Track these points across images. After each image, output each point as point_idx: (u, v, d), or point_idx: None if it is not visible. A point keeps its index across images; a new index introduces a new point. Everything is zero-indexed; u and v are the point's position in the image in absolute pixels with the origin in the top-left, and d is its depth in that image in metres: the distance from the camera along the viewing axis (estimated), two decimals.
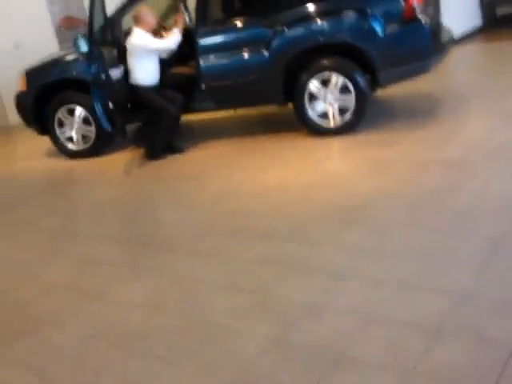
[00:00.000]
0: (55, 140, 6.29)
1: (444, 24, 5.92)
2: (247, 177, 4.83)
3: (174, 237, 3.90)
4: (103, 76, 5.21)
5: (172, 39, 5.56)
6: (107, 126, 5.31)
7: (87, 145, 6.22)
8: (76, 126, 6.15)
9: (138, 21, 5.55)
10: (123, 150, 6.28)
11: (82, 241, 4.12)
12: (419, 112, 5.92)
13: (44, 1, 9.22)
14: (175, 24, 5.66)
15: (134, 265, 3.60)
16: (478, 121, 5.30)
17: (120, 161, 5.92)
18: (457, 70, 7.22)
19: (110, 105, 5.31)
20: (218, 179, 4.90)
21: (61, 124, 6.20)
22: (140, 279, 3.37)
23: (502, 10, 10.16)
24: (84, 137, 6.21)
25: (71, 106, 6.09)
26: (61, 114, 6.15)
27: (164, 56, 5.86)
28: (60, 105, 6.11)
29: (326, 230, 3.59)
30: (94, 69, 5.21)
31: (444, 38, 5.56)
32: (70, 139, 6.25)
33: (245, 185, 4.66)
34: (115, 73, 5.48)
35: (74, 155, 6.29)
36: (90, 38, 5.17)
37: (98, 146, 6.19)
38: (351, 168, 4.70)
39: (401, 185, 4.10)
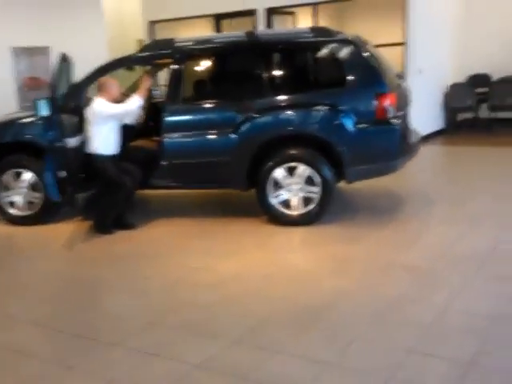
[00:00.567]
0: None
1: (412, 127, 5.94)
2: (203, 263, 4.50)
3: (114, 328, 3.48)
4: (59, 143, 4.89)
5: (130, 103, 5.33)
6: (55, 196, 4.94)
7: (32, 211, 5.78)
8: (22, 191, 5.75)
9: (100, 89, 5.34)
10: (70, 220, 5.87)
11: (4, 324, 3.64)
12: (383, 209, 5.81)
13: (9, 58, 9.01)
14: (137, 90, 5.50)
15: (61, 362, 3.14)
16: (441, 225, 5.22)
17: (64, 232, 5.49)
18: (420, 169, 7.26)
19: (63, 173, 4.96)
20: (171, 263, 4.55)
21: (6, 188, 5.79)
22: (63, 382, 2.92)
23: (462, 116, 10.58)
24: (30, 203, 5.79)
25: (19, 169, 5.71)
26: (7, 176, 5.74)
27: (128, 122, 5.63)
28: (8, 167, 5.72)
29: (281, 335, 3.28)
30: (50, 135, 4.90)
31: (412, 140, 5.55)
32: (12, 204, 5.82)
33: (199, 272, 4.32)
34: (73, 141, 5.18)
35: (14, 221, 5.83)
36: (52, 102, 4.88)
37: (44, 214, 5.76)
38: (312, 263, 4.45)
39: (364, 289, 3.86)
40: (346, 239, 4.92)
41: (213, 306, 3.73)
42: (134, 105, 5.35)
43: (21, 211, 5.82)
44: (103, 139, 5.34)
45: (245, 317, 3.53)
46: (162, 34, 11.10)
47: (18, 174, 5.74)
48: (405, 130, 5.32)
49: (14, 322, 3.66)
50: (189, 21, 11.00)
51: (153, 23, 11.38)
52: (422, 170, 7.45)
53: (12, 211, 5.84)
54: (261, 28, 10.05)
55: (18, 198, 5.78)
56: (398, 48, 9.14)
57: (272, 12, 10.14)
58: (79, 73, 5.64)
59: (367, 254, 4.55)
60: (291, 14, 10.80)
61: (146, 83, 5.48)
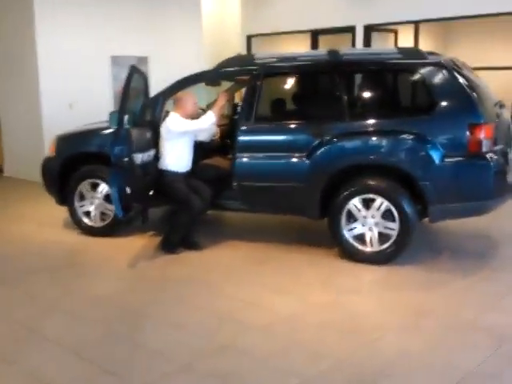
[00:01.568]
0: (72, 212, 5.89)
1: None
2: (256, 297, 4.18)
3: (147, 369, 3.22)
4: (126, 159, 4.79)
5: (203, 120, 5.15)
6: (119, 212, 4.84)
7: (104, 223, 5.78)
8: (96, 201, 5.76)
9: (176, 104, 5.22)
10: (142, 234, 5.79)
11: (40, 347, 3.49)
12: (472, 253, 5.17)
13: (108, 67, 9.25)
14: (213, 106, 5.31)
15: None
16: None
17: (132, 247, 5.42)
18: None
19: (128, 190, 4.85)
20: (223, 294, 4.27)
21: (81, 197, 5.82)
22: None
23: None
24: (103, 214, 5.79)
25: (95, 180, 5.72)
26: (83, 186, 5.78)
27: (202, 138, 5.45)
28: (84, 177, 5.75)
29: None
30: (116, 150, 4.81)
31: None
32: (88, 214, 5.84)
33: (250, 309, 4.00)
34: (143, 156, 5.07)
35: (88, 231, 5.85)
36: (120, 115, 4.80)
37: (115, 227, 5.73)
38: (378, 312, 3.96)
39: (434, 355, 3.32)
40: (424, 286, 4.38)
41: (252, 354, 3.36)
42: (207, 122, 5.16)
43: (94, 222, 5.84)
44: (176, 156, 5.21)
45: (285, 375, 3.12)
46: (260, 47, 11.01)
47: (95, 185, 5.77)
48: (503, 166, 4.66)
49: (46, 344, 3.52)
50: (286, 36, 10.80)
51: (250, 37, 11.31)
52: None
53: (87, 221, 5.87)
54: (359, 45, 9.62)
55: (92, 208, 5.81)
56: (510, 73, 8.32)
57: (371, 29, 9.66)
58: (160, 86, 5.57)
59: (446, 307, 3.99)
60: (392, 31, 10.24)
61: (222, 99, 5.28)
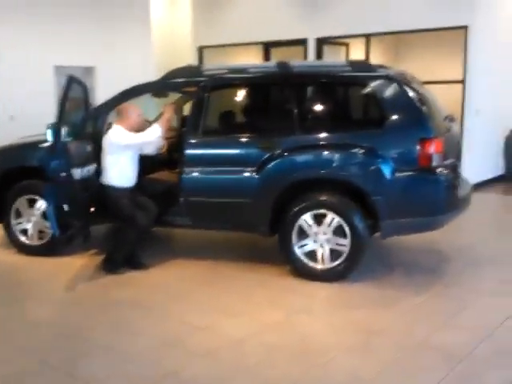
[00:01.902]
0: (8, 230, 5.52)
1: (463, 176, 5.24)
2: (205, 321, 3.95)
3: None
4: (63, 174, 4.50)
5: (148, 133, 4.90)
6: (55, 230, 4.54)
7: (42, 241, 5.43)
8: (34, 219, 5.41)
9: (119, 116, 4.96)
10: (83, 253, 5.48)
11: None
12: (424, 268, 5.11)
13: (52, 77, 8.89)
14: (159, 119, 5.08)
15: None
16: (492, 293, 4.47)
17: (72, 266, 5.10)
18: (471, 222, 6.41)
19: (65, 206, 4.56)
20: (169, 318, 4.02)
21: (18, 214, 5.47)
22: None
23: None
24: (41, 232, 5.45)
25: (32, 196, 5.38)
26: (20, 203, 5.43)
27: (148, 152, 5.20)
28: (20, 193, 5.40)
29: None
30: (53, 165, 4.51)
31: (462, 192, 4.84)
32: (25, 232, 5.49)
33: (197, 333, 3.77)
34: (82, 171, 4.78)
35: (25, 250, 5.49)
36: (56, 128, 4.51)
37: (54, 246, 5.39)
38: (329, 332, 3.81)
39: (386, 379, 3.18)
40: (376, 303, 4.26)
41: (196, 381, 3.15)
42: (153, 135, 4.93)
43: (32, 241, 5.49)
44: (118, 170, 4.94)
45: None
46: (212, 59, 10.84)
47: (32, 201, 5.43)
48: (453, 180, 4.62)
49: None
50: (239, 48, 10.68)
51: (202, 48, 11.14)
52: (475, 222, 6.62)
53: (24, 240, 5.51)
54: (311, 58, 9.58)
55: (29, 226, 5.47)
56: (457, 86, 8.43)
57: (323, 42, 9.65)
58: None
59: (398, 325, 3.88)
60: (344, 44, 10.27)
61: (168, 112, 5.05)
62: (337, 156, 4.60)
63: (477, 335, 3.68)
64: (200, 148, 4.94)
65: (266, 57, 10.50)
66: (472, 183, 5.42)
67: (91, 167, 4.96)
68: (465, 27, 8.17)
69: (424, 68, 8.36)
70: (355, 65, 4.79)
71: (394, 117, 4.48)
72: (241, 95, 5.47)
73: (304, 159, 4.68)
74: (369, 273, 4.86)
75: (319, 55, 9.64)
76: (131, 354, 3.47)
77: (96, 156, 5.05)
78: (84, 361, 3.42)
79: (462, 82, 8.33)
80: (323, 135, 4.68)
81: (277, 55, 10.34)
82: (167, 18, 11.48)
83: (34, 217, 5.41)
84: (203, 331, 3.80)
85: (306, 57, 9.72)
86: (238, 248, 5.80)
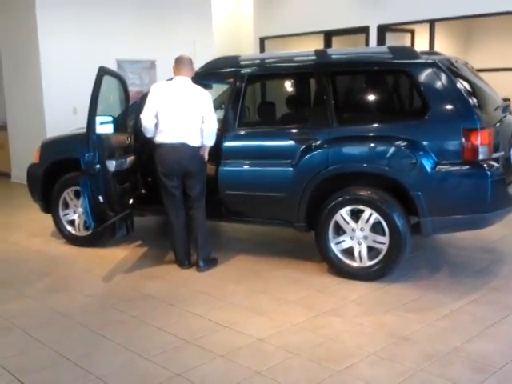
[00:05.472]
0: (57, 221, 5.70)
1: None
2: (225, 319, 3.84)
3: None
4: (97, 166, 4.54)
5: None
6: (90, 223, 4.60)
7: (87, 232, 5.56)
8: (80, 210, 5.54)
9: (189, 66, 4.76)
10: (127, 244, 5.57)
11: None
12: (472, 271, 4.73)
13: (114, 67, 9.08)
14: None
15: None
16: None
17: (113, 258, 5.19)
18: None
19: (101, 199, 4.60)
20: (192, 314, 3.94)
21: (66, 205, 5.63)
22: None
23: None
24: (87, 223, 5.57)
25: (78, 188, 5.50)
26: (67, 194, 5.58)
27: None
28: (67, 185, 5.55)
29: None
30: (87, 157, 4.56)
31: None
32: (72, 223, 5.64)
33: (217, 331, 3.67)
34: (118, 163, 4.81)
35: (73, 241, 5.65)
36: (90, 120, 4.56)
37: (99, 237, 5.49)
38: (355, 337, 3.57)
39: None
40: (412, 307, 3.98)
41: (205, 382, 3.05)
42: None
43: (79, 231, 5.64)
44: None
45: None
46: (273, 49, 10.70)
47: (79, 193, 5.56)
48: (503, 175, 4.22)
49: None
50: (299, 37, 10.46)
51: (264, 39, 11.02)
52: None
53: (71, 230, 5.67)
54: (373, 45, 9.20)
55: (77, 218, 5.61)
56: None
57: (386, 29, 9.23)
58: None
59: (430, 331, 3.59)
60: (409, 31, 9.78)
61: None
62: (374, 148, 4.33)
63: None
64: (235, 140, 4.84)
65: (328, 46, 10.21)
66: None
67: (129, 159, 4.98)
68: None
69: (499, 54, 7.81)
70: (397, 51, 4.47)
71: (437, 106, 4.15)
72: (276, 85, 5.31)
73: (340, 152, 4.45)
74: (411, 272, 4.58)
75: (381, 43, 9.24)
76: (146, 351, 3.43)
77: (136, 148, 5.09)
78: (97, 357, 3.40)
79: None
80: (361, 127, 4.44)
81: (338, 44, 10.05)
82: (231, 11, 11.50)
83: (80, 208, 5.55)
84: (224, 330, 3.70)
85: (367, 45, 9.35)
86: (279, 243, 5.66)
